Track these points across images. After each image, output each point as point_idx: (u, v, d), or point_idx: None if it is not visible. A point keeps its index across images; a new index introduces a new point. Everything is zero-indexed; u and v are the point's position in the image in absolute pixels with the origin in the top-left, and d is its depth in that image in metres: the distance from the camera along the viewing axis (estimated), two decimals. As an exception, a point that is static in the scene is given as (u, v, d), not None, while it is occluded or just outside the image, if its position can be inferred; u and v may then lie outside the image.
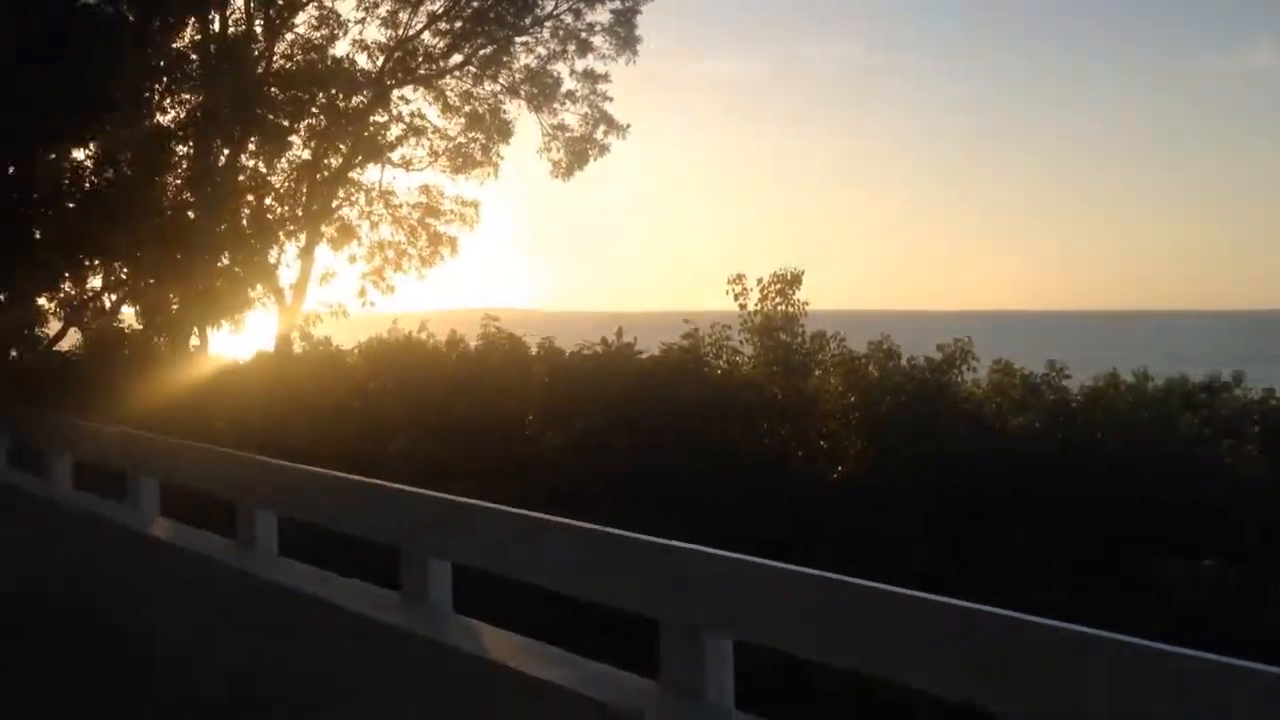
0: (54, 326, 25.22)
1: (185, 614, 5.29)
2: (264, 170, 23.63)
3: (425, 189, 25.34)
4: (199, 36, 22.21)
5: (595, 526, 3.77)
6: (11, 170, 21.61)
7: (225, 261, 23.25)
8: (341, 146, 24.19)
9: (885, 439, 15.15)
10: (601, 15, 24.38)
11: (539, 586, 4.11)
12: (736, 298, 18.86)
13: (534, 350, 19.13)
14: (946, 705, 3.11)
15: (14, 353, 22.49)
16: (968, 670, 3.02)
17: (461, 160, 24.85)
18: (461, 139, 25.02)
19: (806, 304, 18.93)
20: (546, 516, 3.98)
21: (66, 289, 24.76)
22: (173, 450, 5.90)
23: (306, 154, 23.99)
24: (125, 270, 24.18)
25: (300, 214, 23.88)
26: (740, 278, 19.05)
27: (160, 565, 5.46)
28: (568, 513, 4.11)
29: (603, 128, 25.34)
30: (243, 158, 23.24)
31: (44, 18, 18.32)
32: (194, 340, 24.35)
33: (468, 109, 24.89)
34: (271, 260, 23.67)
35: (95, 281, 24.98)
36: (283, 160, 23.74)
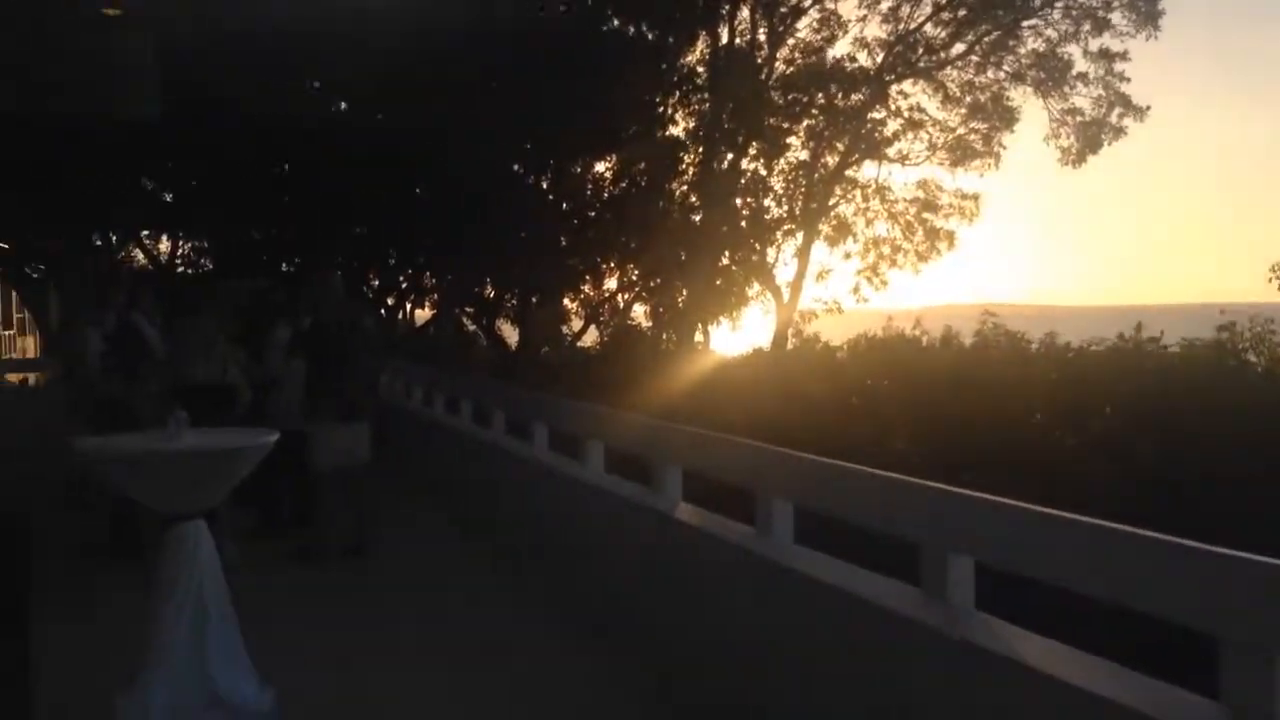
0: (575, 325, 27.92)
1: (706, 594, 5.36)
2: (763, 173, 24.44)
3: (922, 183, 25.04)
4: (708, 50, 23.41)
5: (1159, 535, 3.31)
6: (545, 183, 24.09)
7: (725, 261, 24.38)
8: (839, 145, 24.46)
9: None
10: (1122, -11, 22.68)
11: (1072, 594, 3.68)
12: (1282, 288, 16.72)
13: (1034, 346, 18.13)
14: None
15: (545, 349, 25.11)
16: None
17: (961, 152, 24.21)
18: (961, 130, 24.40)
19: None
20: (1101, 523, 3.55)
21: (587, 290, 27.27)
22: (694, 440, 6.06)
23: (804, 154, 24.51)
24: (636, 271, 26.14)
25: (797, 213, 24.42)
26: (1288, 264, 16.86)
27: (684, 545, 5.65)
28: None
29: (1118, 110, 23.53)
30: (743, 162, 24.18)
31: (569, 44, 20.10)
32: (697, 337, 25.73)
33: (968, 99, 24.19)
34: (769, 259, 24.44)
35: (611, 283, 27.26)
36: (781, 161, 24.41)
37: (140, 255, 25.40)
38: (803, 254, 24.39)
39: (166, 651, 5.08)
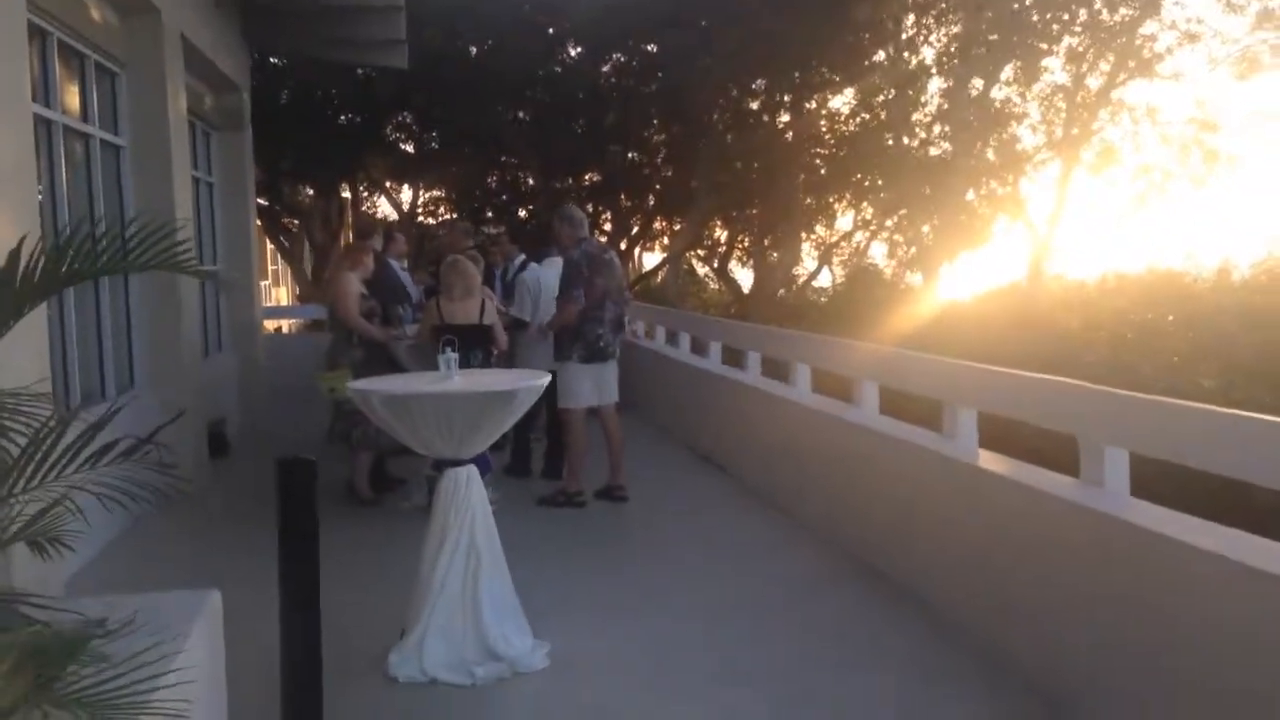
0: (809, 267, 27.12)
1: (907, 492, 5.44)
2: (1016, 100, 22.81)
3: (1199, 102, 22.79)
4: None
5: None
6: (782, 121, 23.28)
7: (970, 196, 23.00)
8: (1103, 65, 22.48)
9: None
10: None
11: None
12: None
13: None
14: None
15: (781, 292, 24.44)
16: None
17: (1246, 64, 21.83)
18: (1247, 40, 22.00)
19: None
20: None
21: (820, 231, 26.40)
22: (990, 379, 5.42)
23: (1064, 78, 22.69)
24: (873, 210, 25.08)
25: (1055, 140, 22.69)
26: None
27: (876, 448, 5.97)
28: None
29: None
30: (994, 89, 22.63)
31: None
32: (934, 274, 24.50)
33: (1255, 6, 21.75)
34: (1020, 191, 22.87)
35: (845, 222, 26.29)
36: (1036, 87, 22.70)
37: (385, 204, 26.20)
38: (1061, 184, 22.65)
39: (440, 602, 4.83)
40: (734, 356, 10.43)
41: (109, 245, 2.57)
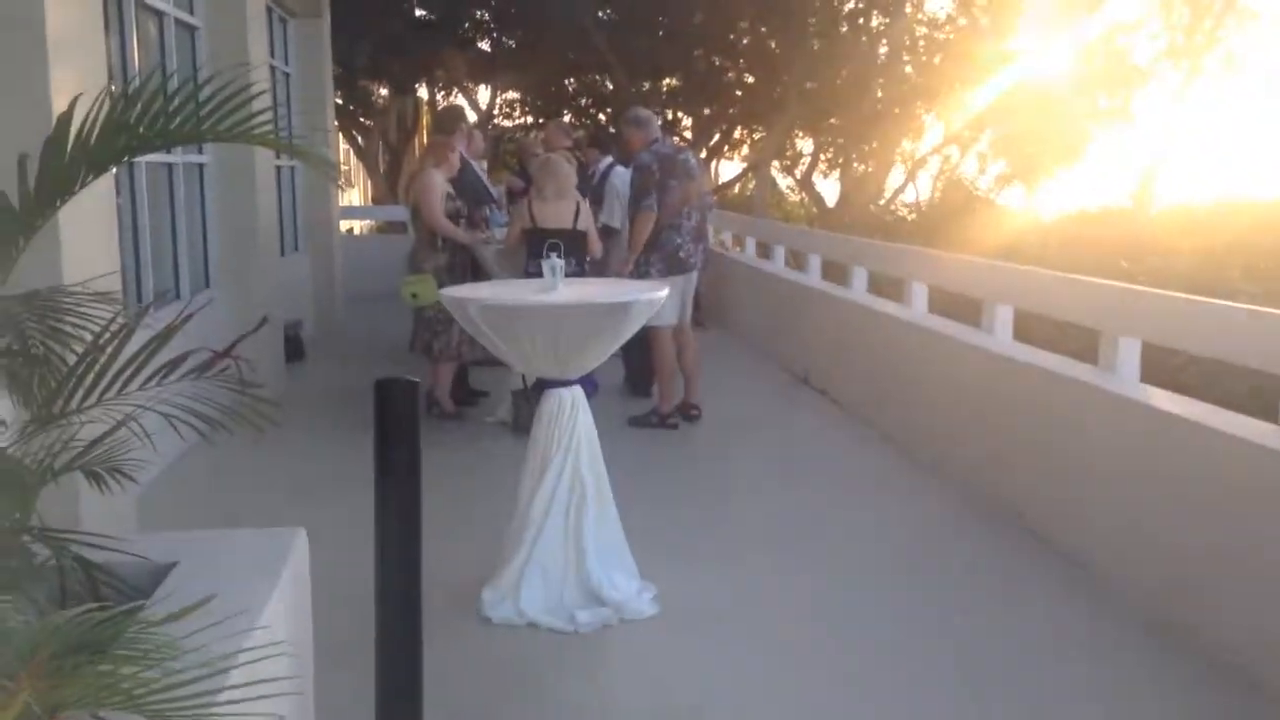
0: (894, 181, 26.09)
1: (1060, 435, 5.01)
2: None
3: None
4: None
5: None
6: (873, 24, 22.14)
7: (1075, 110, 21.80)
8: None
9: None
10: None
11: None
12: None
13: None
14: None
15: (871, 206, 23.52)
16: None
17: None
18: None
19: None
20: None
21: (907, 143, 25.33)
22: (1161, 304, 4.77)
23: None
24: (961, 122, 23.97)
25: (1176, 48, 21.29)
26: None
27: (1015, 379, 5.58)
28: None
29: None
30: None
31: None
32: (1033, 190, 23.44)
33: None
34: (1130, 107, 21.59)
35: (934, 137, 25.19)
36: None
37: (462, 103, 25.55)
38: (1179, 96, 21.27)
39: (539, 538, 4.35)
40: (835, 272, 9.80)
41: (183, 105, 2.03)
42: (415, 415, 2.74)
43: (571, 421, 4.37)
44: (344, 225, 20.96)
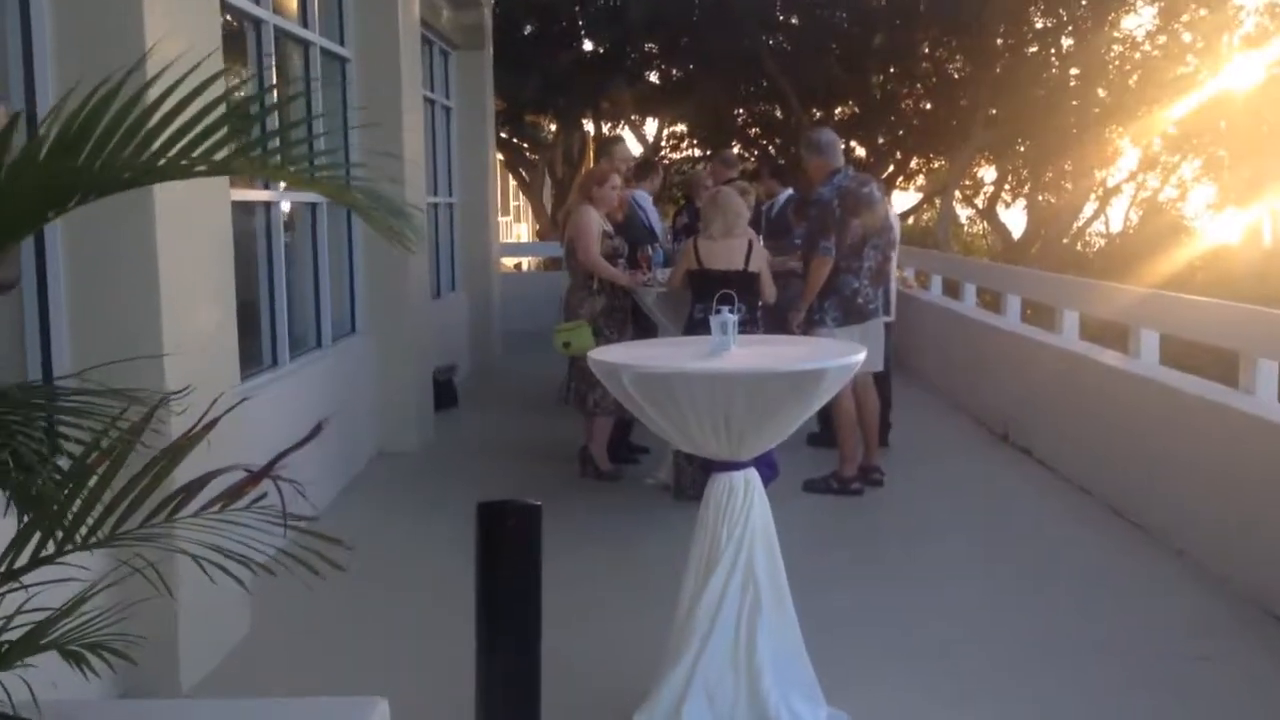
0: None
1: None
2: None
3: None
4: None
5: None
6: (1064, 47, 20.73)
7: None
8: None
9: None
10: None
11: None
12: None
13: None
14: None
15: (1065, 240, 21.92)
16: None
17: None
18: None
19: None
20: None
21: (1098, 171, 23.64)
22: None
23: None
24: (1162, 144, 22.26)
25: None
26: None
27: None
28: None
29: None
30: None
31: None
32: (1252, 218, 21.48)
33: None
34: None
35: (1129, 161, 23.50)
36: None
37: (629, 137, 25.15)
38: None
39: (705, 652, 3.55)
40: (1037, 313, 8.72)
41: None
42: (536, 544, 1.99)
43: (745, 511, 3.57)
44: (509, 261, 20.77)
